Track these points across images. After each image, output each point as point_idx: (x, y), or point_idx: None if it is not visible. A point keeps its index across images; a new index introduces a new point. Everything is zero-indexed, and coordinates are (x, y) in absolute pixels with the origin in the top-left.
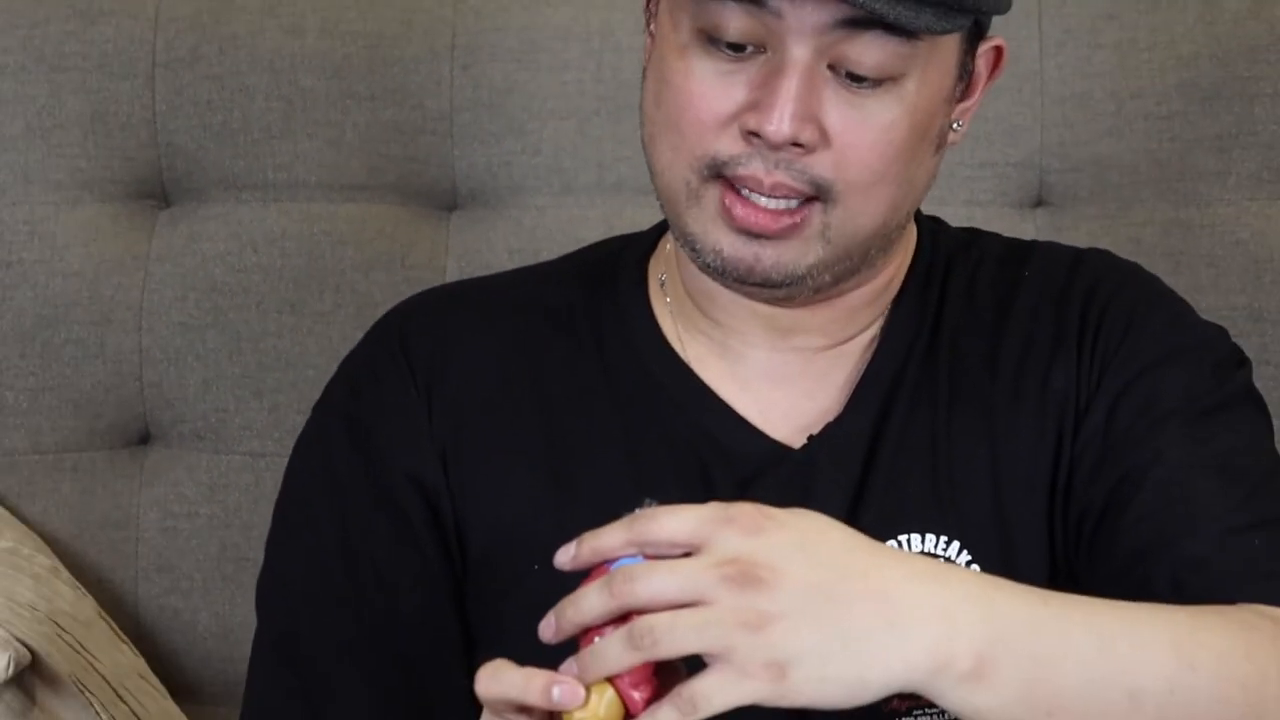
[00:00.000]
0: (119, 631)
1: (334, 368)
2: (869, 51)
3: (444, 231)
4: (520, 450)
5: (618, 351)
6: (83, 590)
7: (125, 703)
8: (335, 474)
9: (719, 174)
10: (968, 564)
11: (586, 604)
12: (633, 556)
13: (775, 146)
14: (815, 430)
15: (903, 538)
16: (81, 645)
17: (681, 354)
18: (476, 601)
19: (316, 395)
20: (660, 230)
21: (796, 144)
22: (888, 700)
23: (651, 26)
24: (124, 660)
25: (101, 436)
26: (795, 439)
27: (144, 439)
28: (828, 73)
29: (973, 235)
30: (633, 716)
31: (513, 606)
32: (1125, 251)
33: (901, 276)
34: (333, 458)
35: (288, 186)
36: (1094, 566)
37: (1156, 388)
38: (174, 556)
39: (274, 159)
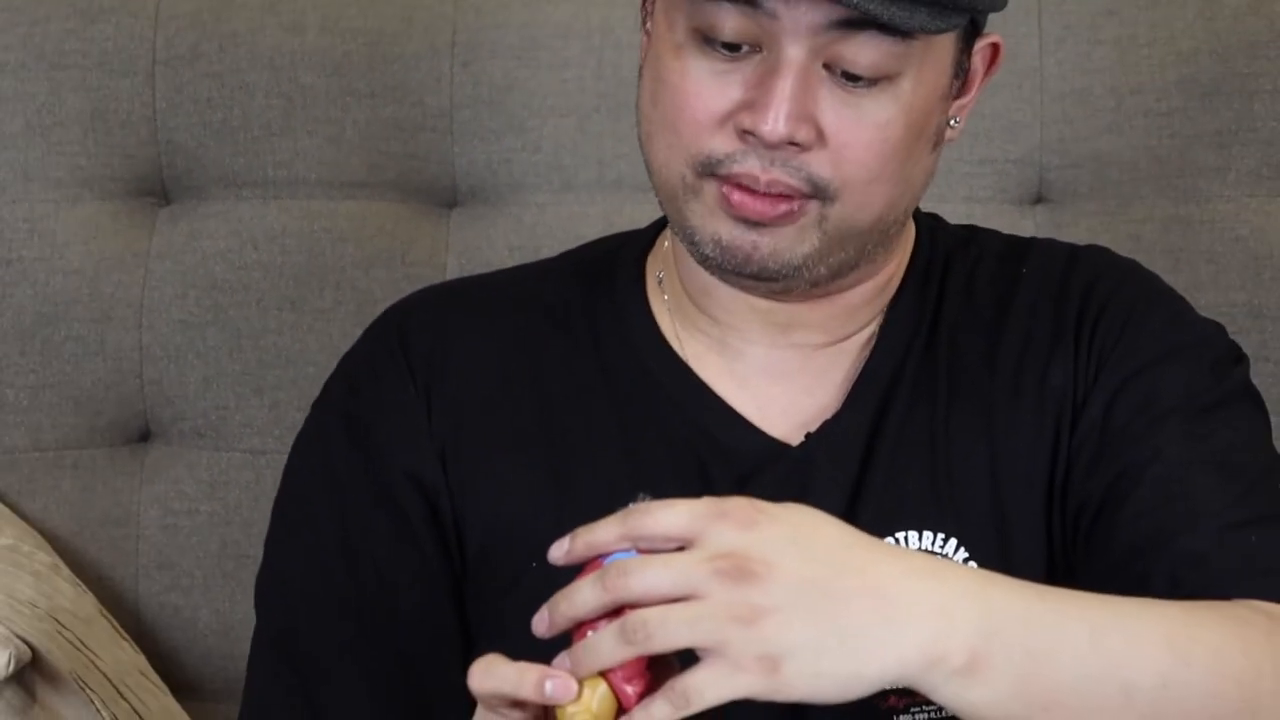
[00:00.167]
0: (119, 629)
1: (334, 365)
2: (864, 51)
3: (444, 229)
4: (519, 448)
5: (616, 349)
6: (83, 587)
7: (126, 700)
8: (334, 471)
9: (714, 173)
10: (965, 561)
11: (579, 598)
12: (626, 551)
13: (771, 146)
14: (813, 427)
15: (900, 535)
16: (82, 642)
17: (679, 351)
18: (475, 599)
19: (316, 392)
20: (658, 228)
21: (792, 143)
22: (885, 697)
23: (647, 25)
24: (124, 657)
25: (102, 434)
26: (793, 436)
27: (144, 436)
28: (823, 72)
29: (971, 232)
30: (625, 711)
31: (511, 604)
32: (1125, 248)
33: (900, 274)
34: (332, 455)
35: (288, 184)
36: (1091, 562)
37: (1155, 385)
38: (174, 554)
39: (274, 156)
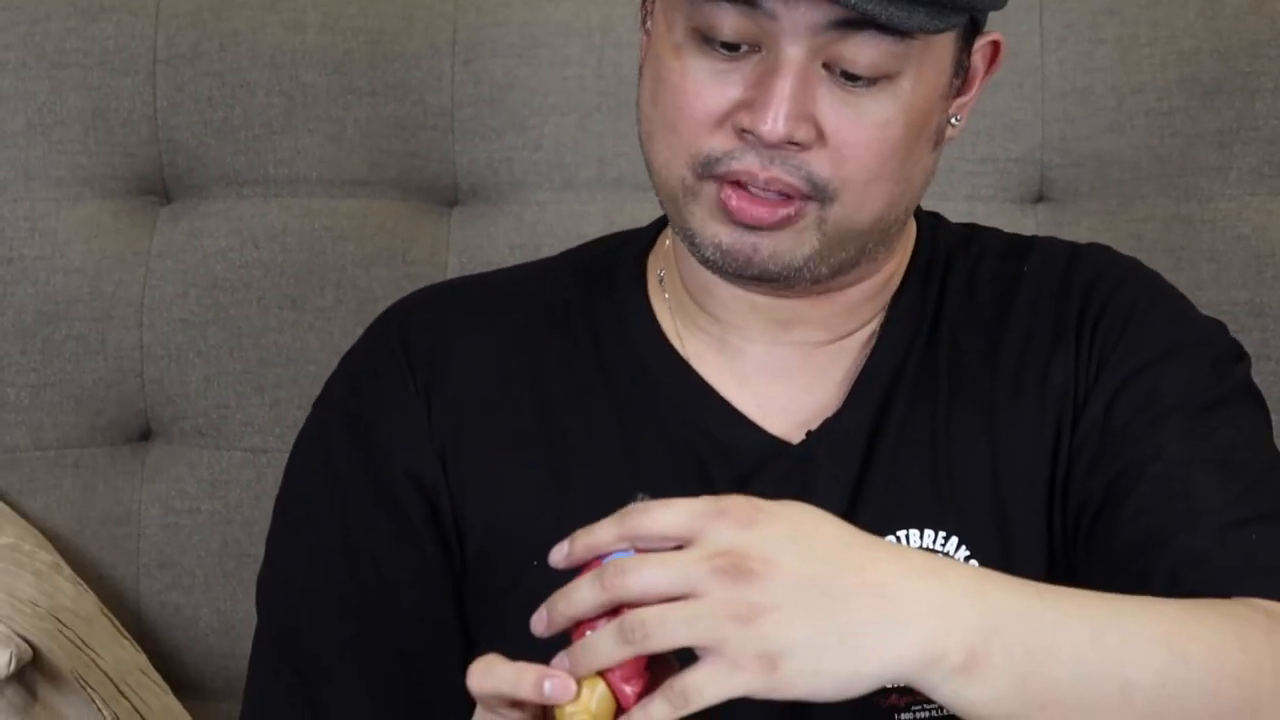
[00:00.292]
0: (120, 627)
1: (335, 363)
2: (863, 51)
3: (445, 227)
4: (519, 447)
5: (616, 348)
6: (84, 586)
7: (127, 698)
8: (335, 471)
9: (714, 173)
10: (966, 559)
11: (578, 597)
12: (625, 551)
13: (770, 145)
14: (814, 426)
15: (901, 533)
16: (83, 641)
17: (680, 350)
18: (476, 598)
19: (317, 391)
20: (659, 226)
21: (792, 142)
22: (885, 695)
23: (647, 24)
24: (125, 656)
25: (103, 433)
26: (794, 434)
27: (145, 435)
28: (822, 71)
29: (972, 231)
30: (624, 710)
31: (512, 603)
32: (1126, 247)
33: (901, 272)
34: (333, 454)
35: (289, 182)
36: (1092, 560)
37: (1156, 383)
38: (175, 552)
39: (275, 155)
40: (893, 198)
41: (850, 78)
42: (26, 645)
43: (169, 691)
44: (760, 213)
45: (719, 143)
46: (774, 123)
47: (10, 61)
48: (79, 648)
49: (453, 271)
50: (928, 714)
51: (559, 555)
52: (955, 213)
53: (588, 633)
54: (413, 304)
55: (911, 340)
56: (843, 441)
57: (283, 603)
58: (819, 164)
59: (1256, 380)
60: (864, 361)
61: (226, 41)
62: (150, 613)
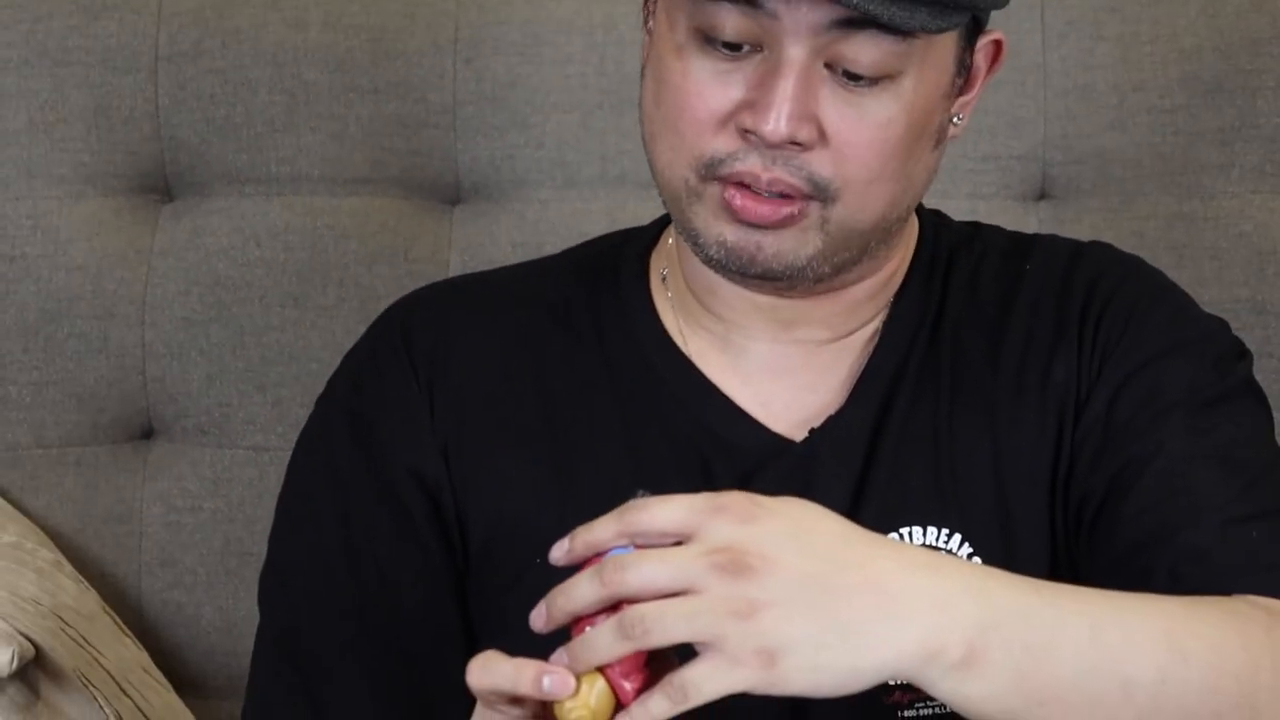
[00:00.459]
0: (122, 626)
1: (337, 361)
2: (865, 51)
3: (447, 225)
4: (522, 445)
5: (619, 345)
6: (86, 584)
7: (129, 697)
8: (337, 469)
9: (717, 175)
10: (969, 557)
11: (577, 593)
12: (625, 547)
13: (772, 145)
14: (817, 424)
15: (904, 530)
16: (85, 639)
17: (683, 348)
18: (478, 596)
19: (319, 389)
20: (661, 224)
21: (794, 143)
22: (888, 692)
23: (649, 24)
24: (127, 654)
25: (105, 431)
26: (796, 432)
27: (147, 433)
28: (824, 71)
29: (975, 229)
30: (624, 706)
31: (514, 600)
32: (1128, 245)
33: (904, 270)
34: (335, 453)
35: (290, 180)
36: (1094, 557)
37: (1159, 380)
38: (177, 551)
39: (277, 153)
40: (895, 197)
41: (852, 77)
42: (29, 643)
43: (171, 690)
44: (764, 211)
45: (722, 143)
46: (776, 123)
47: (12, 59)
48: (81, 646)
49: (455, 270)
50: (930, 711)
51: (559, 552)
52: (958, 210)
53: (587, 628)
54: (415, 302)
55: (914, 338)
56: (845, 439)
57: (285, 601)
58: (821, 164)
59: (1258, 378)
60: (866, 360)
61: (229, 39)
62: (152, 611)
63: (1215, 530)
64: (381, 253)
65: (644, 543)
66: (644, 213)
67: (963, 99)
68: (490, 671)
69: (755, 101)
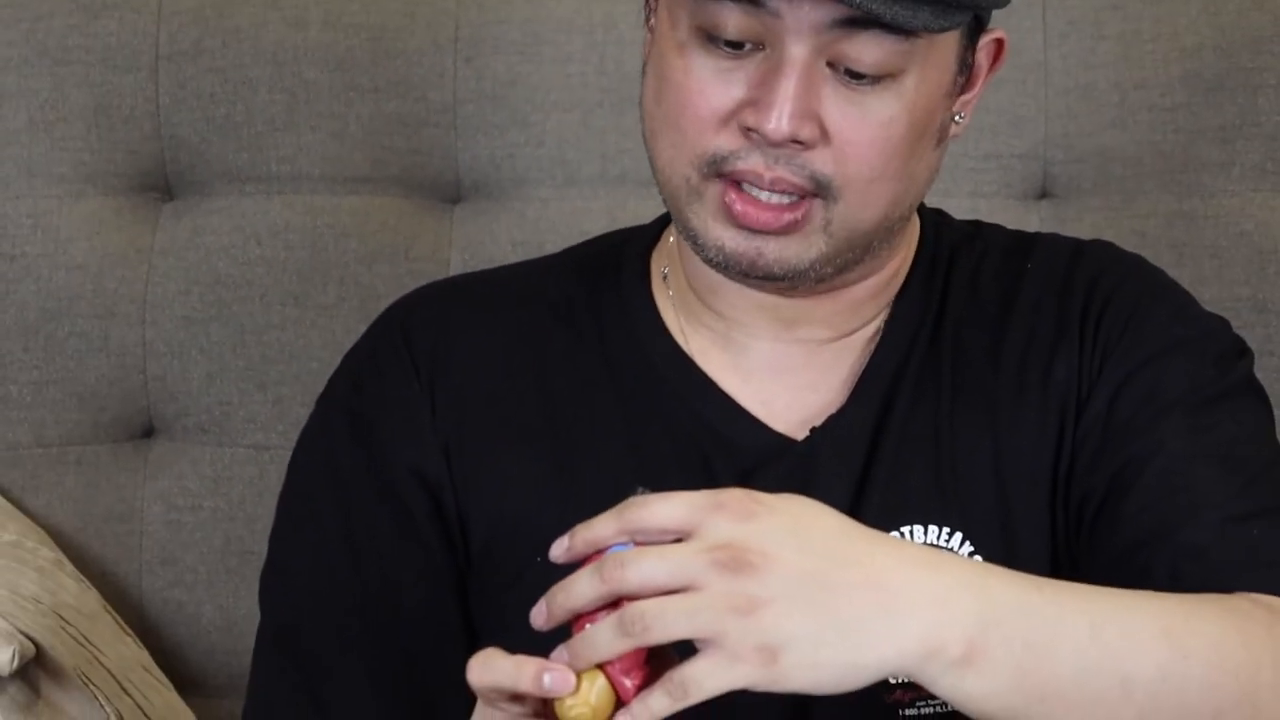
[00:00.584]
0: (123, 624)
1: (337, 360)
2: (867, 50)
3: (447, 224)
4: (523, 443)
5: (620, 344)
6: (87, 583)
7: (130, 695)
8: (338, 468)
9: (719, 171)
10: (970, 555)
11: (577, 590)
12: (625, 545)
13: (774, 144)
14: (818, 423)
15: (905, 529)
16: (86, 638)
17: (684, 346)
18: (479, 594)
19: (320, 388)
20: (662, 223)
21: (796, 141)
22: (890, 691)
23: (651, 22)
24: (128, 653)
25: (105, 430)
26: (798, 431)
27: (148, 432)
28: (827, 70)
29: (976, 227)
30: (624, 703)
31: (515, 598)
32: (1129, 243)
33: (906, 269)
34: (335, 452)
35: (291, 179)
36: (1094, 555)
37: (1159, 378)
38: (178, 550)
39: (277, 152)
40: (896, 196)
41: (854, 76)
42: (29, 642)
43: (171, 688)
44: (765, 218)
45: (724, 142)
46: (778, 121)
47: (13, 58)
48: (82, 645)
49: (455, 268)
50: (932, 710)
51: (559, 550)
52: (959, 209)
53: (587, 625)
54: (415, 301)
55: (915, 337)
56: (846, 438)
57: (285, 600)
58: (822, 162)
59: (1259, 376)
60: (868, 359)
61: (229, 38)
62: (153, 610)
63: (1215, 528)
64: (382, 251)
65: (644, 540)
66: (645, 211)
67: (964, 97)
68: (491, 669)
69: (757, 100)
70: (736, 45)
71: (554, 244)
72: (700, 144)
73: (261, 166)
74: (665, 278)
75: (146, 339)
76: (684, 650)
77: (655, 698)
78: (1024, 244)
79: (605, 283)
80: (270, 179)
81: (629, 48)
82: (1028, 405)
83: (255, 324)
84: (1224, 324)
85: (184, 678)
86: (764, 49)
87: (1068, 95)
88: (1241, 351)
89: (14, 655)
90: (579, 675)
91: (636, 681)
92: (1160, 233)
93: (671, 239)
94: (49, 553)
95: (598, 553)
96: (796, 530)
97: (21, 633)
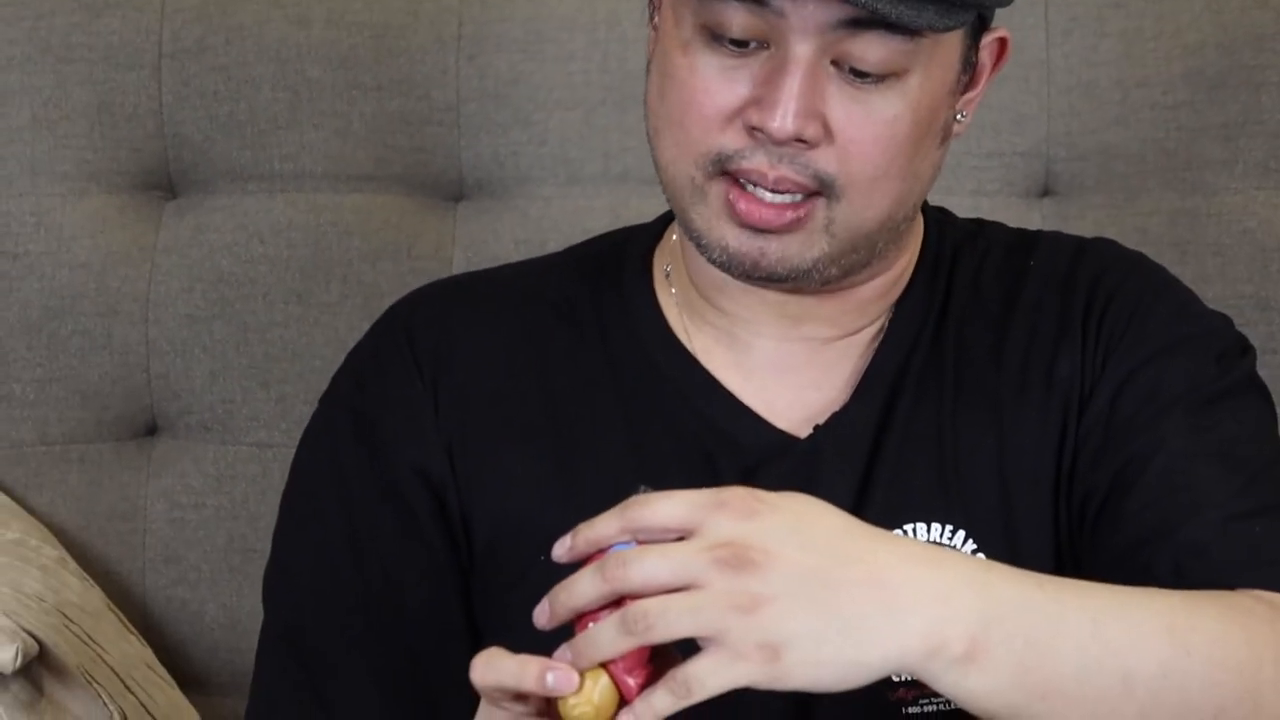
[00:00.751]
0: (126, 622)
1: (341, 358)
2: (872, 49)
3: (450, 222)
4: (525, 442)
5: (622, 343)
6: (90, 581)
7: (133, 693)
8: (341, 467)
9: (723, 169)
10: (973, 553)
11: (579, 589)
12: (627, 543)
13: (779, 142)
14: (820, 421)
15: (908, 527)
16: (89, 636)
17: (687, 345)
18: (483, 593)
19: (323, 386)
20: (665, 221)
21: (800, 139)
22: (893, 689)
23: (655, 19)
24: (132, 651)
25: (108, 428)
26: (801, 430)
27: (151, 430)
28: (831, 69)
29: (979, 226)
30: (627, 702)
31: (519, 597)
32: (1132, 241)
33: (910, 268)
34: (338, 451)
35: (294, 177)
36: (1097, 552)
37: (1161, 376)
38: (181, 548)
39: (280, 150)
40: (900, 195)
41: (859, 75)
42: (33, 640)
43: (175, 686)
44: (768, 215)
45: (729, 140)
46: (783, 119)
47: (15, 56)
48: (85, 643)
49: (458, 266)
50: (935, 707)
51: (561, 550)
52: (961, 207)
53: (590, 624)
54: (418, 300)
55: (918, 336)
56: (849, 436)
57: (289, 599)
58: (826, 161)
59: (1262, 374)
60: (870, 357)
61: (232, 36)
62: (156, 608)
63: (1217, 526)
64: (385, 249)
65: (646, 538)
66: (647, 209)
67: (968, 96)
68: (494, 668)
69: (762, 98)
70: (741, 44)
71: (556, 242)
72: (704, 142)
73: (264, 164)
74: (668, 276)
75: (149, 337)
76: (687, 649)
77: (658, 696)
78: (1026, 242)
79: (607, 281)
80: (273, 177)
81: (632, 45)
82: (1030, 403)
83: (258, 322)
84: (1226, 322)
85: (187, 676)
86: (769, 48)
87: (1070, 93)
88: (1244, 349)
89: (17, 653)
90: (582, 674)
91: (639, 680)
92: (1163, 230)
93: (674, 237)
94: (52, 551)
95: (600, 552)
96: (798, 528)
97: (25, 631)
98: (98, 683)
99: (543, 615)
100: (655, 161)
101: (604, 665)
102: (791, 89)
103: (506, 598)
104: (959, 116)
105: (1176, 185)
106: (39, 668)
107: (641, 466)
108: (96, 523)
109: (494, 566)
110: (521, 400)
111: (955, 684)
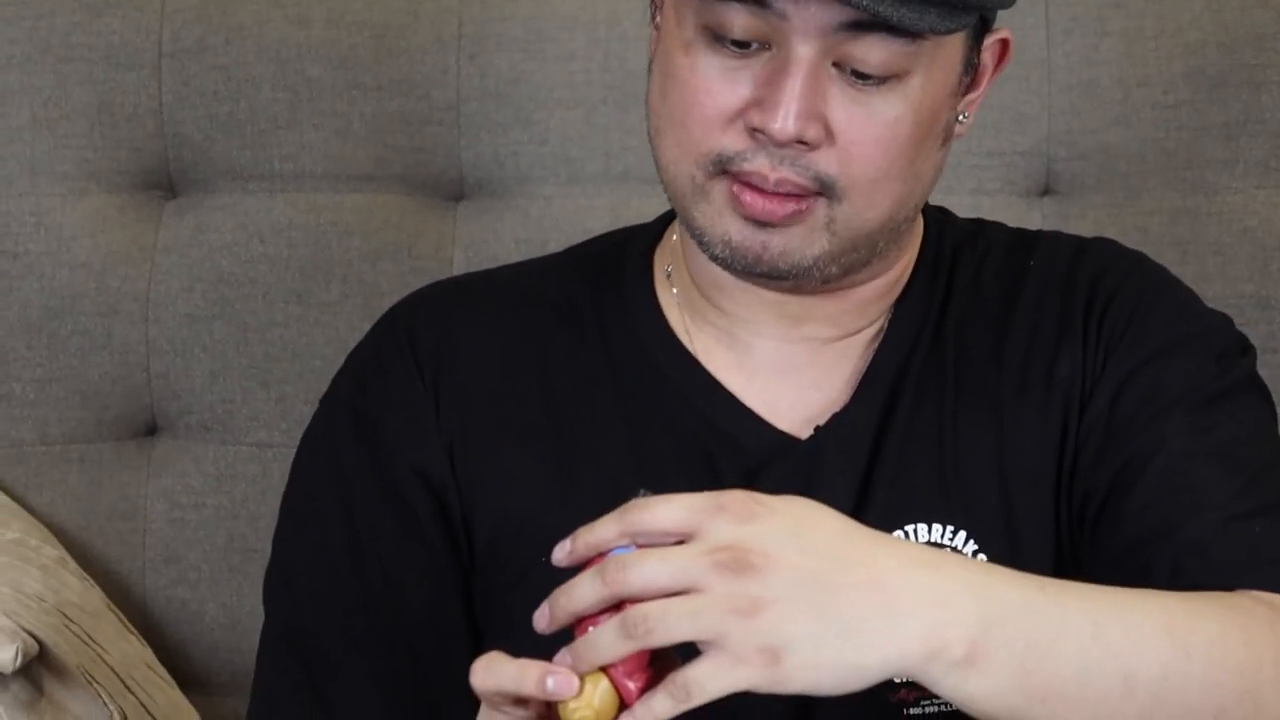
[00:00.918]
0: (126, 622)
1: (341, 358)
2: (874, 51)
3: (451, 222)
4: (526, 443)
5: (623, 343)
6: (90, 581)
7: (133, 693)
8: (341, 468)
9: (724, 169)
10: (974, 554)
11: (579, 593)
12: (626, 547)
13: (780, 144)
14: (821, 422)
15: (909, 527)
16: (89, 636)
17: (688, 345)
18: (484, 594)
19: (323, 386)
20: (665, 221)
21: (801, 141)
22: (894, 690)
23: (657, 19)
24: (132, 651)
25: (108, 428)
26: (802, 430)
27: (151, 430)
28: (832, 70)
29: (979, 226)
30: (627, 706)
31: (519, 599)
32: (1132, 240)
33: (910, 268)
34: (339, 452)
35: (294, 177)
36: (1097, 552)
37: (1161, 375)
38: (181, 547)
39: (280, 149)
40: (901, 196)
41: (860, 76)
42: (33, 640)
43: (175, 686)
44: (771, 206)
45: (730, 141)
46: (784, 121)
47: (15, 56)
48: (85, 643)
49: (459, 266)
50: (936, 709)
51: (561, 553)
52: (961, 206)
53: (590, 628)
54: (419, 301)
55: (918, 336)
56: (850, 437)
57: (290, 600)
58: (827, 163)
59: (1262, 373)
60: (871, 357)
61: (232, 36)
62: (156, 607)
63: (1217, 526)
64: (385, 249)
65: (646, 542)
66: (648, 209)
67: (969, 97)
68: (494, 673)
69: (763, 100)
70: (743, 45)
71: (557, 242)
72: (706, 143)
73: (264, 164)
74: (669, 276)
75: (149, 337)
76: (687, 652)
77: (658, 700)
78: (1026, 242)
79: (608, 282)
80: (273, 177)
81: (632, 45)
82: (1031, 403)
83: (258, 322)
84: (1226, 321)
85: (187, 675)
86: (770, 49)
87: (1071, 92)
88: (1244, 349)
89: (17, 653)
90: (582, 678)
91: (639, 684)
92: (1163, 230)
93: (675, 237)
94: (52, 550)
95: (600, 555)
96: (798, 531)
97: (25, 630)
98: (98, 683)
99: (542, 619)
100: (656, 161)
101: (604, 669)
102: (793, 90)
103: (508, 599)
104: (961, 118)
105: (1177, 184)
106: (39, 667)
107: (642, 467)
108: (96, 522)
109: (495, 567)
110: (522, 401)
111: (955, 687)
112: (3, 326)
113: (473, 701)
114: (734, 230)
